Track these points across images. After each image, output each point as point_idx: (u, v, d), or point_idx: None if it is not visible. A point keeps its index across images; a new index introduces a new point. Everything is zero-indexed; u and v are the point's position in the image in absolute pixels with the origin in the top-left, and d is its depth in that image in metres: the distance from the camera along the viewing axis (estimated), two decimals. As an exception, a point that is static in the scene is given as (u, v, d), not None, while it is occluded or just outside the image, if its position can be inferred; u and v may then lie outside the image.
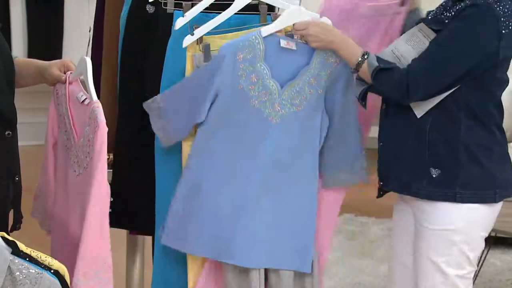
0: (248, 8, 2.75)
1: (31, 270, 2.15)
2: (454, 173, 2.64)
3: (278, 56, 2.68)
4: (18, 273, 2.12)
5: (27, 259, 2.17)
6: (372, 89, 2.65)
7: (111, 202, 2.95)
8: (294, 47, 2.69)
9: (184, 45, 2.66)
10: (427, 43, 2.61)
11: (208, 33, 2.69)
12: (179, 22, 2.67)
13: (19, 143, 2.55)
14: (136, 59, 2.90)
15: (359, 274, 4.54)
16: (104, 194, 2.40)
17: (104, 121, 2.41)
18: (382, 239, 5.09)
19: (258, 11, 2.82)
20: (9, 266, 2.12)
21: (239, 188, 2.69)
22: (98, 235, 2.41)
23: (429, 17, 2.69)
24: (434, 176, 2.64)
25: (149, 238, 3.17)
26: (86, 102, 2.51)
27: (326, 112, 2.74)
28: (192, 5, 2.71)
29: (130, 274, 3.47)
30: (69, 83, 2.60)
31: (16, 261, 2.15)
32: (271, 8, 2.82)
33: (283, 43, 2.68)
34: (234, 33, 2.73)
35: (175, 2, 2.77)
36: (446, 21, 2.57)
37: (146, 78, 2.84)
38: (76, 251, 2.40)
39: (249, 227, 2.69)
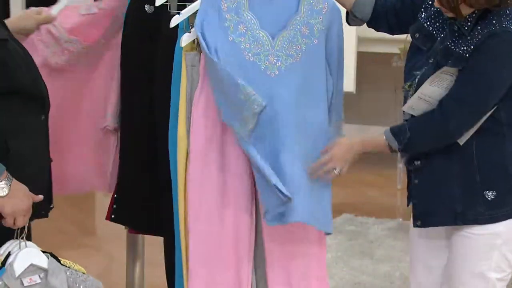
0: None
1: (79, 276, 2.46)
2: (510, 189, 2.61)
3: (263, 6, 2.62)
4: (70, 279, 2.44)
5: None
6: (415, 149, 2.62)
7: (115, 198, 2.98)
8: None
9: (182, 44, 2.64)
10: (450, 78, 2.55)
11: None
12: (174, 20, 2.66)
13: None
14: (136, 59, 2.90)
15: (359, 274, 4.54)
16: None
17: None
18: (382, 239, 5.08)
19: None
20: None
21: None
22: None
23: (443, 51, 2.59)
24: (490, 199, 2.59)
25: (149, 238, 3.17)
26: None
27: (328, 67, 2.68)
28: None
29: (130, 274, 3.47)
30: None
31: (70, 270, 2.45)
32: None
33: None
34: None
35: (178, 4, 2.76)
36: (467, 55, 2.51)
37: (150, 77, 2.84)
38: None
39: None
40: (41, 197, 2.47)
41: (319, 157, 2.68)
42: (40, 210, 2.58)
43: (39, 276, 2.40)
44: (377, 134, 2.67)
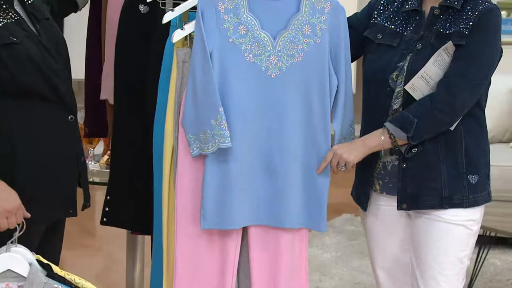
0: None
1: None
2: (487, 173, 2.69)
3: (263, 6, 2.60)
4: None
5: (61, 281, 2.29)
6: (423, 136, 2.61)
7: (109, 201, 2.97)
8: None
9: (173, 40, 2.64)
10: (447, 59, 2.60)
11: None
12: (167, 17, 2.66)
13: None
14: (130, 58, 2.89)
15: (359, 274, 4.54)
16: None
17: None
18: (382, 239, 5.09)
19: None
20: None
21: (255, 151, 2.61)
22: None
23: (436, 35, 2.64)
24: (473, 182, 2.64)
25: (149, 238, 3.17)
26: None
27: (333, 69, 2.66)
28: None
29: (130, 274, 3.47)
30: None
31: (51, 283, 2.27)
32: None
33: None
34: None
35: (173, 2, 2.77)
36: (466, 31, 2.58)
37: (145, 77, 2.84)
38: None
39: (270, 189, 2.63)
40: (28, 214, 2.43)
41: (320, 157, 2.67)
42: (68, 209, 2.60)
43: (18, 284, 2.28)
44: (375, 132, 2.66)
